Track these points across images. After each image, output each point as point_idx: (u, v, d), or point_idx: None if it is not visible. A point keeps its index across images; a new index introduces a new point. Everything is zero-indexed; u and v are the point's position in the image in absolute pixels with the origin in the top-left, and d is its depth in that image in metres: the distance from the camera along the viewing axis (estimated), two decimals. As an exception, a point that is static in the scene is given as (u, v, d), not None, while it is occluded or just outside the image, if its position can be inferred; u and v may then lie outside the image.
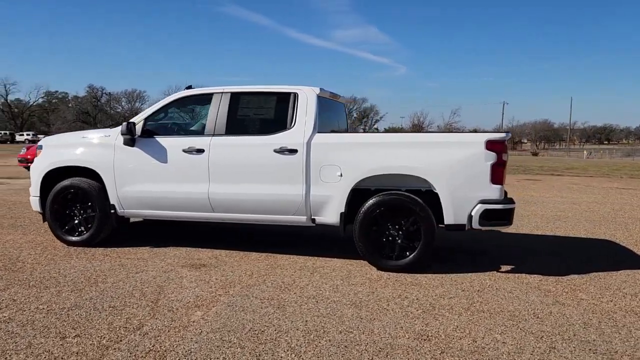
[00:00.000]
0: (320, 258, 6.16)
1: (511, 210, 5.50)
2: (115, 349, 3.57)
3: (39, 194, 6.65)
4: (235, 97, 6.16)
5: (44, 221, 6.73)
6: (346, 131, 7.38)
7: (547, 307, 4.59)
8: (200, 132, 6.17)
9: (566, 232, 8.21)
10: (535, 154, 73.18)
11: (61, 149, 6.68)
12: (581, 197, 13.54)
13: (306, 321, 4.13)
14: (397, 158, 5.56)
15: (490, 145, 5.35)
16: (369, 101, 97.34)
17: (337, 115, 7.00)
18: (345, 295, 4.82)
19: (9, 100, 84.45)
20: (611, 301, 4.80)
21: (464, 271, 5.70)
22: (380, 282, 5.26)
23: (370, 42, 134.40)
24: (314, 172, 5.74)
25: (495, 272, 5.73)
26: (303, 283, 5.16)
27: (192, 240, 6.99)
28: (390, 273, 5.55)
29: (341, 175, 5.66)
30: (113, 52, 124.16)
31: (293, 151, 5.76)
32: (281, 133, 5.86)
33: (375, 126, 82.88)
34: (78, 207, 6.53)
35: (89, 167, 6.40)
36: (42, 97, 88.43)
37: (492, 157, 5.35)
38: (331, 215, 5.77)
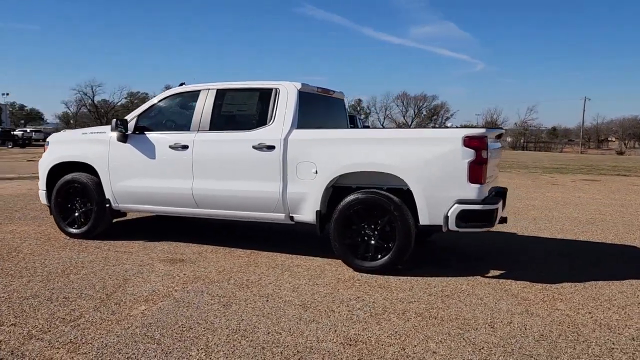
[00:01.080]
0: (304, 257, 6.04)
1: (491, 212, 5.12)
2: (38, 339, 3.65)
3: (45, 188, 6.98)
4: (220, 93, 6.18)
5: (51, 214, 7.06)
6: (345, 127, 7.18)
7: (510, 316, 4.24)
8: (187, 129, 6.22)
9: (591, 237, 7.58)
10: (620, 153, 68.63)
11: (64, 145, 6.99)
12: (635, 199, 12.48)
13: (242, 320, 4.05)
14: (370, 155, 5.35)
15: (469, 141, 5.02)
16: (440, 98, 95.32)
17: (331, 111, 6.84)
18: (301, 295, 4.69)
19: (95, 101, 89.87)
20: (589, 313, 4.37)
21: (447, 274, 5.39)
22: (347, 283, 5.07)
23: (447, 38, 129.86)
24: (291, 168, 5.64)
25: (479, 276, 5.38)
26: (267, 281, 5.08)
27: (190, 235, 7.07)
28: (363, 274, 5.35)
29: (316, 172, 5.52)
30: (193, 52, 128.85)
31: (271, 147, 5.69)
32: (260, 129, 5.81)
33: (450, 124, 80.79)
34: (78, 201, 6.79)
35: (86, 162, 6.64)
36: (125, 98, 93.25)
37: (470, 154, 5.01)
38: (308, 213, 5.64)
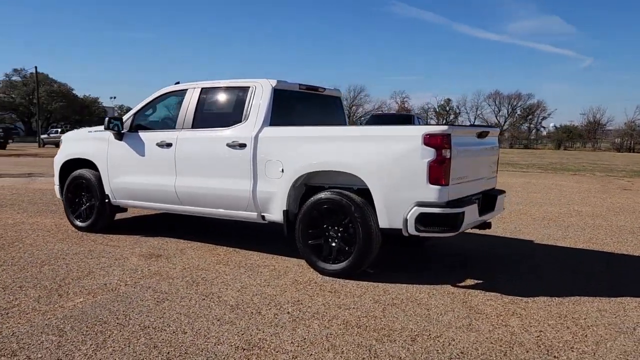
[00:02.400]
0: (280, 257, 5.93)
1: (454, 216, 4.72)
2: (-39, 324, 3.86)
3: (58, 183, 7.41)
4: (203, 92, 6.23)
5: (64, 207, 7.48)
6: (341, 125, 6.95)
7: (444, 330, 3.89)
8: (173, 127, 6.33)
9: (619, 248, 6.78)
10: None
11: (73, 142, 7.38)
12: None
13: (160, 318, 4.03)
14: (330, 153, 5.15)
15: (429, 139, 4.66)
16: (540, 97, 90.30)
17: (323, 109, 6.65)
18: (243, 295, 4.59)
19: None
20: (541, 332, 3.90)
21: (415, 280, 5.07)
22: (300, 285, 4.91)
23: (550, 33, 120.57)
24: (260, 167, 5.56)
25: (449, 284, 4.99)
26: (220, 280, 5.03)
27: (188, 232, 7.20)
28: (324, 277, 5.15)
29: (283, 170, 5.40)
30: (284, 55, 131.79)
31: (242, 145, 5.64)
32: (235, 127, 5.78)
33: (552, 124, 76.17)
34: (84, 196, 7.14)
35: (89, 159, 6.97)
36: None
37: (430, 153, 4.65)
38: (277, 212, 5.54)
